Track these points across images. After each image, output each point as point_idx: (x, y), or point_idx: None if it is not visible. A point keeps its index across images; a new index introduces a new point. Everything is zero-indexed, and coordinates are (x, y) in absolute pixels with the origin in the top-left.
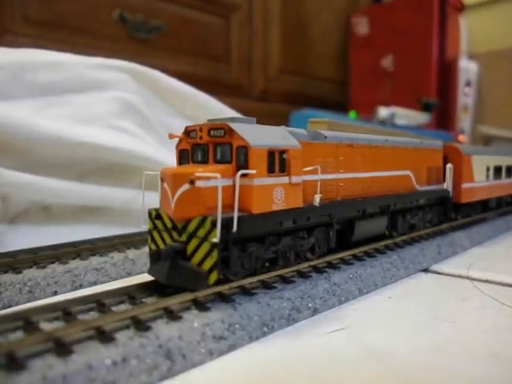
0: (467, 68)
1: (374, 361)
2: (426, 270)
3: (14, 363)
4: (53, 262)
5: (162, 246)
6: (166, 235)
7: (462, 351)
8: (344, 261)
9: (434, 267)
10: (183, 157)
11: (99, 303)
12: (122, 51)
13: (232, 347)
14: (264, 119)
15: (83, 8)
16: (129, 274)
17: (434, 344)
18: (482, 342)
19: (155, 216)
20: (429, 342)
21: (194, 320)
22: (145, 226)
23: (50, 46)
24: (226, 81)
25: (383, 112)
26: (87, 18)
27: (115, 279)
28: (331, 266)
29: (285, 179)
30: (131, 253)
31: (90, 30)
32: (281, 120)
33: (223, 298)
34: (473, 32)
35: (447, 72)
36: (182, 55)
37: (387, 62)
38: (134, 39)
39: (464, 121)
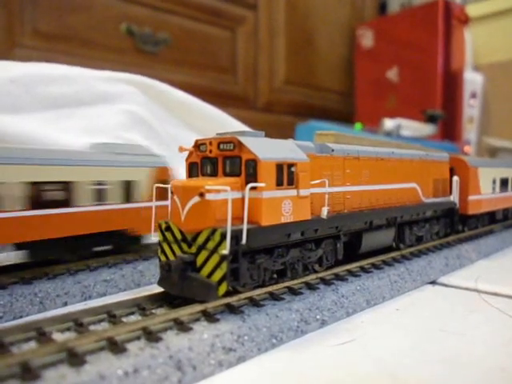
0: (472, 79)
1: (382, 373)
2: (433, 283)
3: (29, 373)
4: (63, 274)
5: (171, 257)
6: (175, 247)
7: (469, 364)
8: (351, 273)
9: (442, 279)
10: (193, 170)
11: (110, 314)
12: (129, 63)
13: (241, 359)
14: (269, 130)
15: (91, 21)
16: (138, 286)
17: (441, 356)
18: (489, 355)
19: (165, 228)
20: (436, 354)
21: (203, 331)
22: (155, 238)
23: (59, 58)
24: (232, 92)
25: (389, 124)
26: (95, 31)
27: (124, 290)
28: (339, 277)
29: (293, 192)
30: (140, 264)
31: (98, 42)
32: (286, 131)
33: (232, 310)
34: (478, 44)
35: (452, 84)
36: (189, 67)
37: (392, 74)
38: (141, 52)
39: (470, 132)
